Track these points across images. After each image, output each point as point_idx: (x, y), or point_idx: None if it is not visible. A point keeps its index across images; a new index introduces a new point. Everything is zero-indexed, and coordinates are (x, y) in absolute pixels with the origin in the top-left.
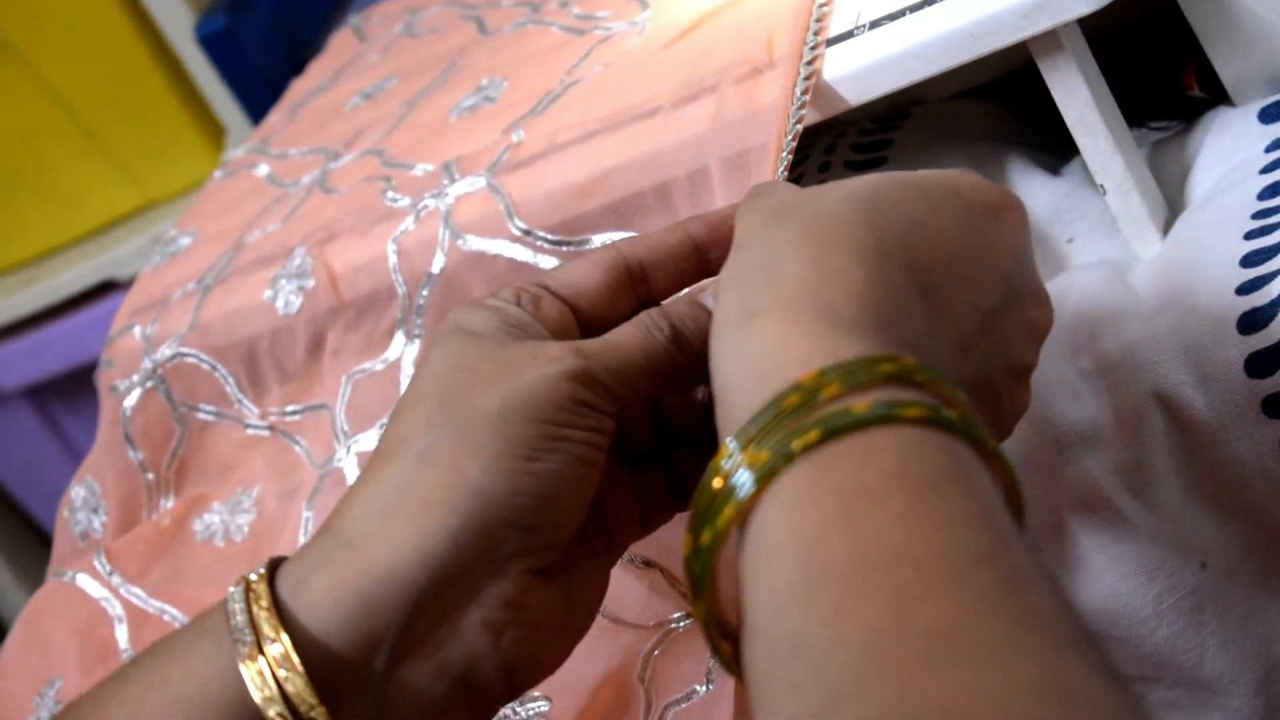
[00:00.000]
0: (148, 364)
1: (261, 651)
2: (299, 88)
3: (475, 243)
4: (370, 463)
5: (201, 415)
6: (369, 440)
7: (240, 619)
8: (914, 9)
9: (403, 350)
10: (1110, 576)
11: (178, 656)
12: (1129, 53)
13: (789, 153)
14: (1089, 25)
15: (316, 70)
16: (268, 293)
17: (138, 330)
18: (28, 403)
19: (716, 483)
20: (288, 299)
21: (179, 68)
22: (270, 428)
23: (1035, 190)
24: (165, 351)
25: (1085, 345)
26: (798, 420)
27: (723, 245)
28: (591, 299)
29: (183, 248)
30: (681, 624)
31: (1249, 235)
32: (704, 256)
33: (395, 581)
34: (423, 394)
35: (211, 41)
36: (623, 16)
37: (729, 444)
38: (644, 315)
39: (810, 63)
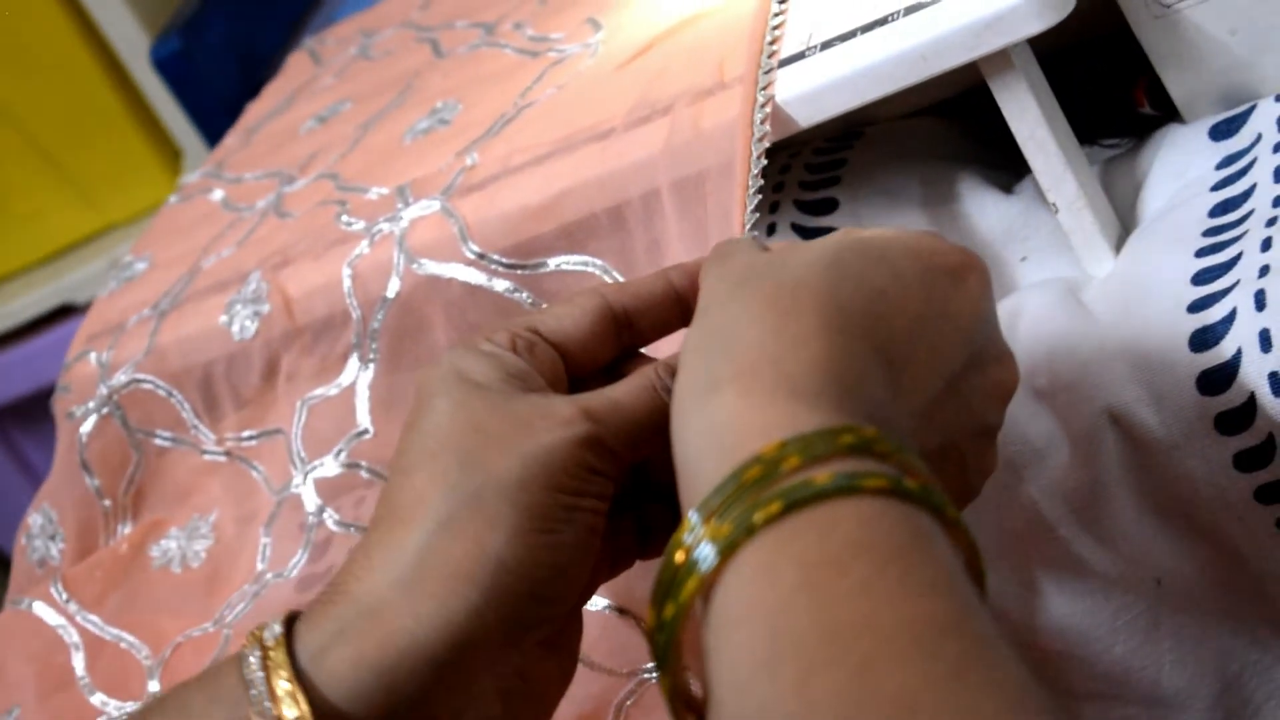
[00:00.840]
0: (103, 390)
1: None
2: (254, 111)
3: (430, 266)
4: (385, 520)
5: (158, 441)
6: (326, 467)
7: (260, 689)
8: (865, 29)
9: (357, 375)
10: (1066, 594)
11: None
12: (1080, 71)
13: (757, 177)
14: (1039, 44)
15: (272, 93)
16: (223, 318)
17: (94, 356)
18: None
19: (679, 556)
20: (243, 324)
21: (135, 90)
22: (227, 453)
23: (988, 209)
24: (121, 378)
25: (1038, 365)
26: (759, 492)
27: None
28: (580, 345)
29: (138, 273)
30: (654, 674)
31: (1200, 253)
32: (685, 305)
33: (417, 654)
34: (434, 450)
35: (167, 64)
36: (576, 38)
37: (691, 517)
38: (649, 372)
39: (765, 88)
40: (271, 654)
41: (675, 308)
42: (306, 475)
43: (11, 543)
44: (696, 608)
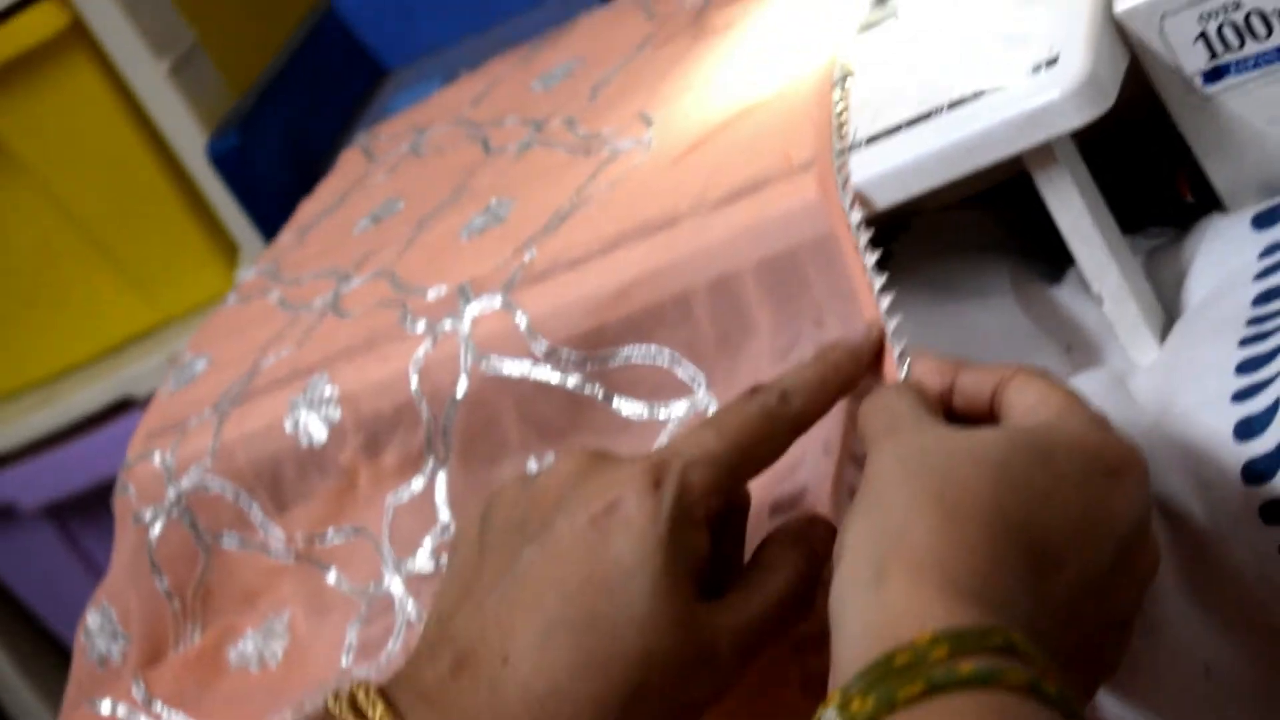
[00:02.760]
0: (171, 493)
1: None
2: (308, 209)
3: (498, 364)
4: (548, 697)
5: (225, 544)
6: (416, 564)
7: None
8: (910, 124)
9: (434, 472)
10: (1114, 686)
11: None
12: (1123, 160)
13: (872, 268)
14: (1081, 133)
15: (325, 191)
16: (288, 420)
17: (157, 457)
18: (48, 521)
19: None
20: (309, 425)
21: (191, 185)
22: (296, 554)
23: (1033, 298)
24: (187, 482)
25: None
26: (905, 675)
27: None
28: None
29: (198, 372)
30: None
31: (1244, 342)
32: (844, 386)
33: None
34: (610, 645)
35: (223, 160)
36: (628, 134)
37: (837, 693)
38: (790, 573)
39: (840, 169)
40: None
41: (834, 394)
42: (399, 573)
43: (73, 635)
44: None
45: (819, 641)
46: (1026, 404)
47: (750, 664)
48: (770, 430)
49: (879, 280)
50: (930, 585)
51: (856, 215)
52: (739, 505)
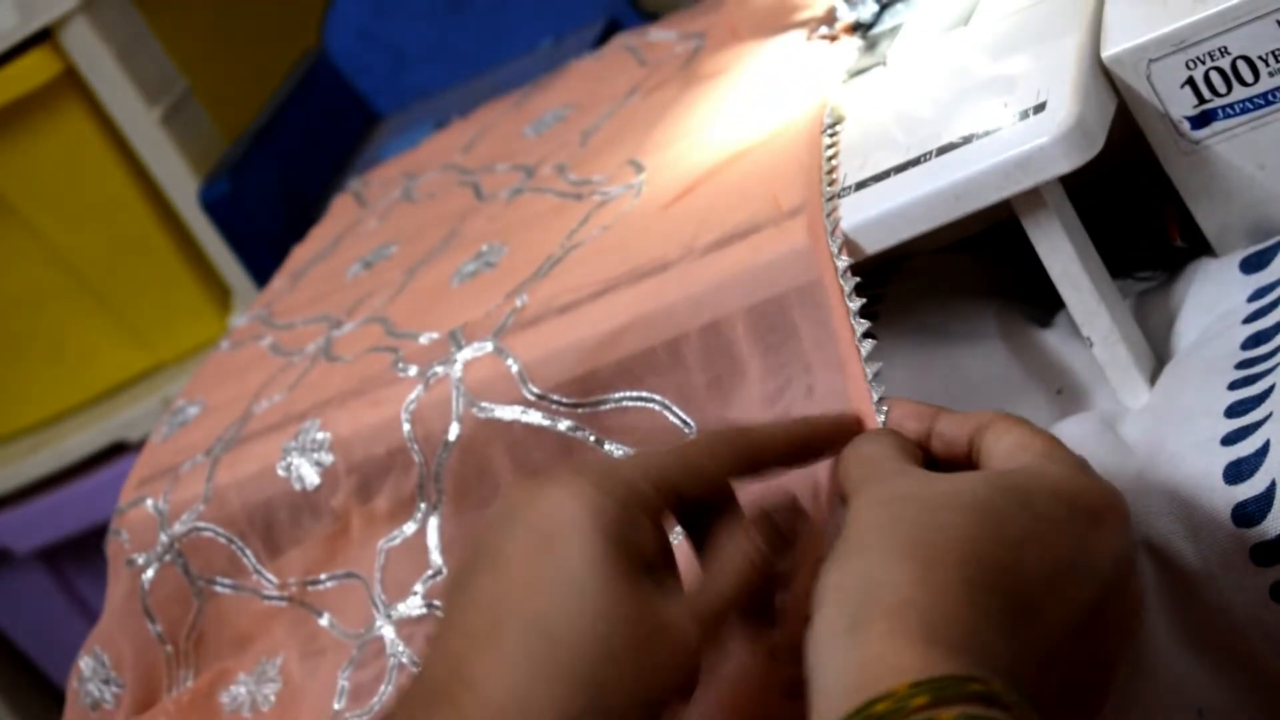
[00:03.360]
0: (164, 538)
1: None
2: (300, 254)
3: (490, 409)
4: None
5: (219, 588)
6: (408, 609)
7: None
8: (898, 170)
9: (426, 517)
10: None
11: None
12: (1112, 204)
13: (856, 315)
14: (1070, 178)
15: (318, 236)
16: (280, 464)
17: (150, 503)
18: (41, 565)
19: None
20: (302, 470)
21: (184, 231)
22: (289, 598)
23: (1023, 341)
24: (180, 527)
25: None
26: None
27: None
28: (703, 495)
29: (190, 418)
30: None
31: (1233, 385)
32: (812, 452)
33: None
34: (563, 659)
35: (215, 206)
36: (619, 180)
37: None
38: (747, 548)
39: (830, 215)
40: None
41: (802, 455)
42: (390, 617)
43: (64, 674)
44: None
45: (795, 652)
46: (1006, 449)
47: (713, 638)
48: (712, 447)
49: (861, 326)
50: (908, 633)
51: (844, 261)
52: (726, 510)
